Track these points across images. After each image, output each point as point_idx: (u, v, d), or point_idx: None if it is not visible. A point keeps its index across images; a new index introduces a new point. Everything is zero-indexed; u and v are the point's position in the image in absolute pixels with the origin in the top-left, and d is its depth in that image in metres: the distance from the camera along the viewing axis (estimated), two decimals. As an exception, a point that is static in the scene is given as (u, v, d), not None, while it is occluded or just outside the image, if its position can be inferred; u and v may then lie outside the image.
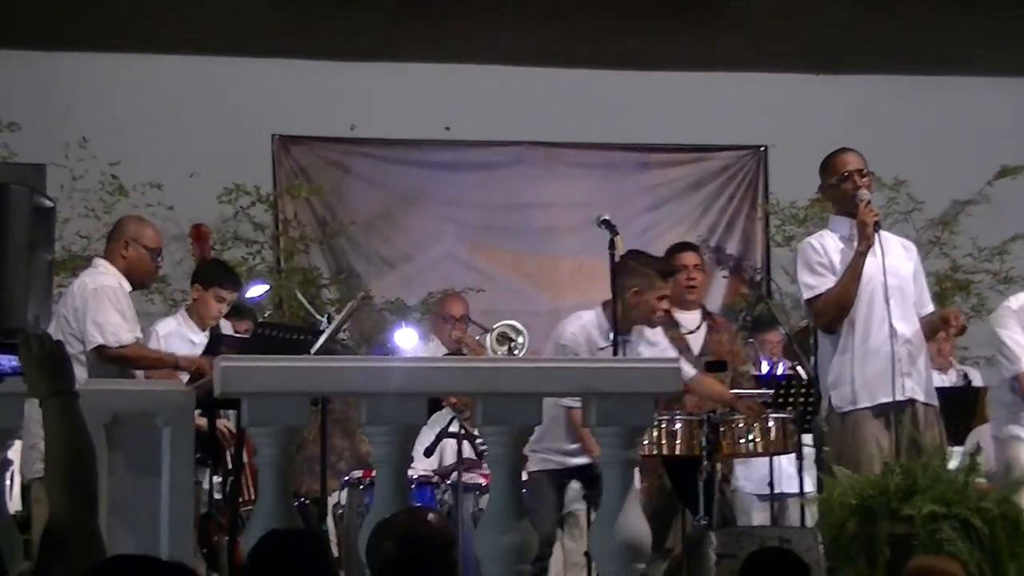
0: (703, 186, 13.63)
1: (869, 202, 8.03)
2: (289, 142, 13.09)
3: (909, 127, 13.26)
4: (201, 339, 8.96)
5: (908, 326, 7.99)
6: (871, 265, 7.96)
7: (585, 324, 8.62)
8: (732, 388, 9.15)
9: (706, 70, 13.34)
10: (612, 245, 8.17)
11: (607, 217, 8.30)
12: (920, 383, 7.97)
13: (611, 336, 8.47)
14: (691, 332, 9.59)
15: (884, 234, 8.22)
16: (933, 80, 13.50)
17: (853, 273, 7.94)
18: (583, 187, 13.29)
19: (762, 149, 13.62)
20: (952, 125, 13.37)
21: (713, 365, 9.13)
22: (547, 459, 8.58)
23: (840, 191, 8.20)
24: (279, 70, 12.92)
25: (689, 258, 9.86)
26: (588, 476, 8.35)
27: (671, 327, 9.50)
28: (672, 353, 8.65)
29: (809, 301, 8.19)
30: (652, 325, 8.70)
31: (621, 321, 8.47)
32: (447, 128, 13.26)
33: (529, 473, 8.58)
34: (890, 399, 7.82)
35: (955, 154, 13.16)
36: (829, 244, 8.16)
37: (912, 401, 7.90)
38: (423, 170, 13.35)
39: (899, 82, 13.52)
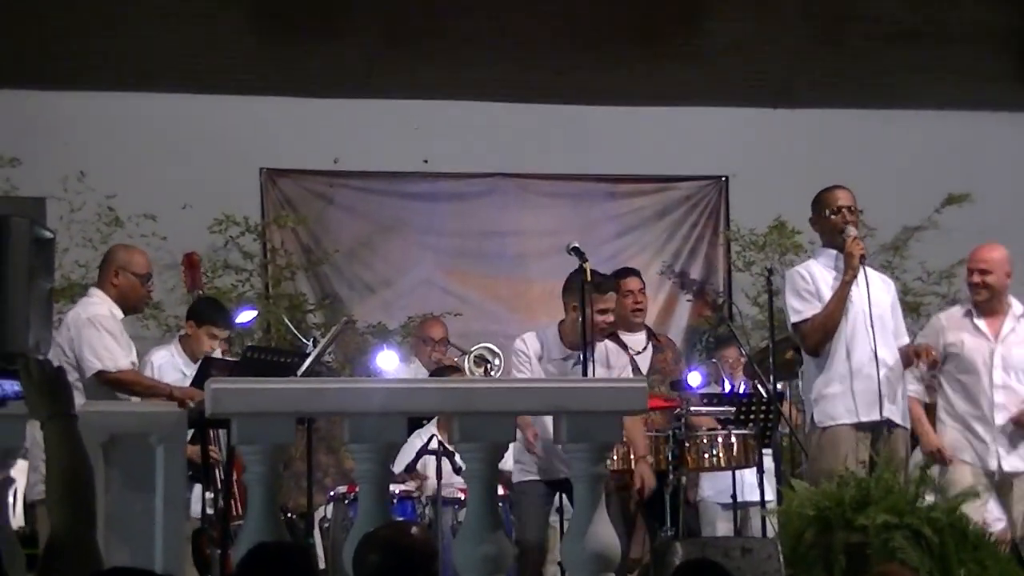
0: (667, 214, 13.65)
1: (856, 237, 8.15)
2: (276, 175, 13.09)
3: (861, 157, 13.29)
4: (191, 371, 8.94)
5: (889, 353, 8.11)
6: (856, 294, 8.08)
7: (541, 335, 8.63)
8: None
9: (669, 104, 13.37)
10: (581, 271, 8.18)
11: (576, 245, 8.33)
12: (897, 407, 8.08)
13: (567, 352, 8.49)
14: (638, 352, 9.61)
15: (867, 269, 8.35)
16: (883, 113, 13.54)
17: (839, 300, 8.07)
18: (553, 216, 13.31)
19: (723, 179, 13.64)
20: (902, 155, 13.42)
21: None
22: (526, 470, 8.54)
23: (830, 224, 8.31)
24: (266, 106, 12.92)
25: (633, 283, 9.88)
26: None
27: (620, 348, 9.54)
28: (628, 374, 8.66)
29: (796, 325, 8.28)
30: (599, 339, 8.66)
31: (570, 337, 8.49)
32: (425, 160, 13.26)
33: (515, 484, 8.56)
34: (869, 419, 7.96)
35: (905, 183, 13.21)
36: (815, 272, 8.27)
37: (888, 422, 8.00)
38: (402, 200, 13.35)
39: (852, 115, 13.57)
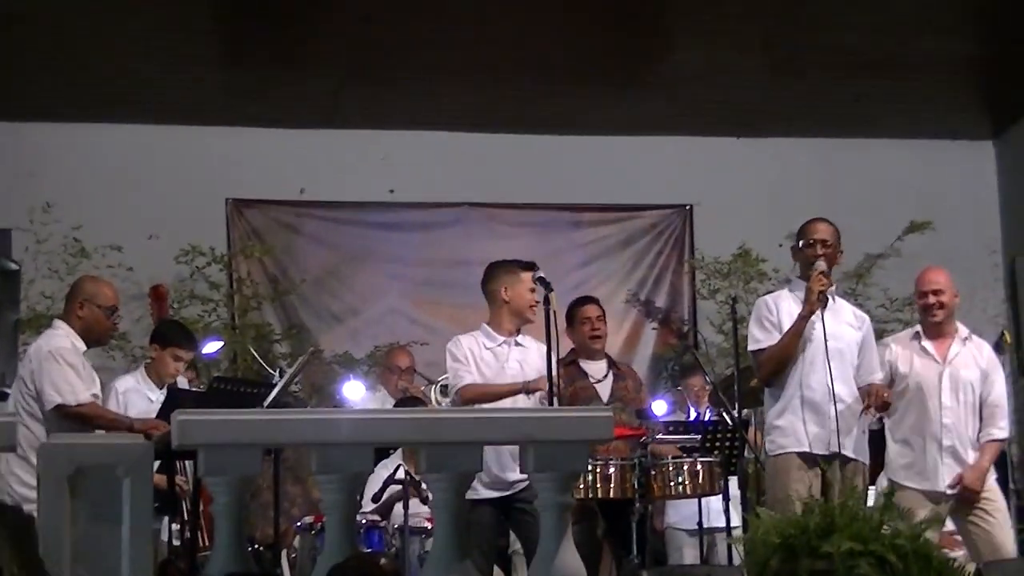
0: (632, 243, 13.68)
1: (823, 272, 8.13)
2: (242, 205, 13.09)
3: (824, 186, 13.36)
4: (159, 396, 8.91)
5: (846, 388, 8.11)
6: (817, 328, 8.06)
7: (472, 334, 8.75)
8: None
9: (634, 134, 13.42)
10: (547, 300, 8.18)
11: (542, 274, 8.34)
12: (851, 440, 8.08)
13: (500, 338, 8.62)
14: (599, 381, 9.61)
15: (841, 302, 8.44)
16: (845, 142, 13.62)
17: (794, 334, 8.09)
18: (520, 245, 13.25)
19: (688, 208, 13.69)
20: (864, 184, 13.49)
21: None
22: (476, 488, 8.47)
23: (804, 256, 8.34)
24: (232, 137, 12.92)
25: (592, 310, 9.88)
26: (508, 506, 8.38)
27: (579, 377, 9.54)
28: (540, 356, 8.60)
29: (754, 353, 8.32)
30: (528, 318, 8.67)
31: (502, 323, 8.64)
32: (391, 191, 13.28)
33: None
34: (819, 451, 7.98)
35: (867, 211, 13.25)
36: (783, 304, 8.28)
37: (839, 455, 8.01)
38: (369, 230, 13.36)
39: (814, 144, 13.65)
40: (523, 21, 11.39)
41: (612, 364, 9.93)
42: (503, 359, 8.53)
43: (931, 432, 8.49)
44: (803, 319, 8.07)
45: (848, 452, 8.06)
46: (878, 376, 8.35)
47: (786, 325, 8.14)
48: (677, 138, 13.55)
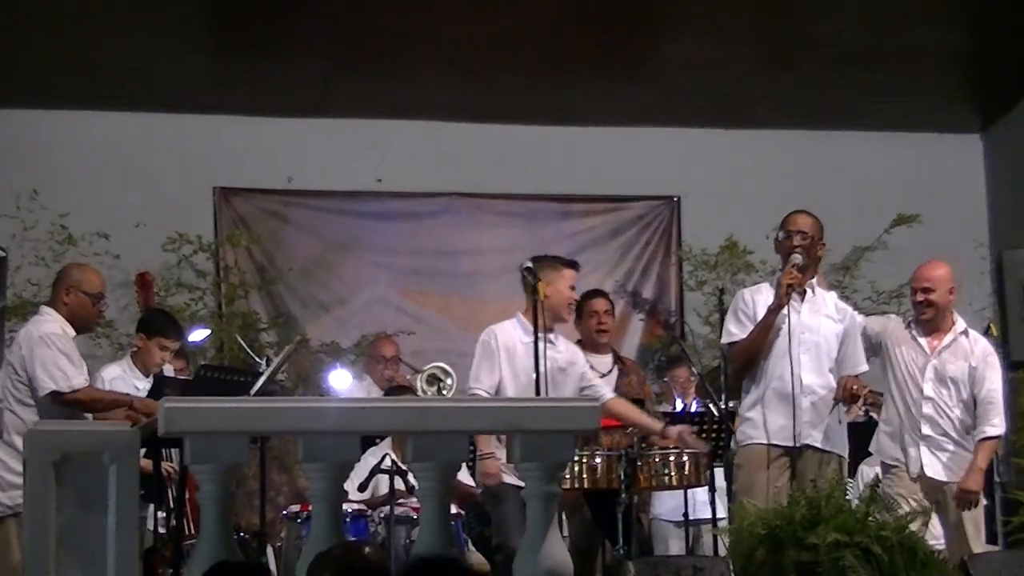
0: (620, 234, 13.69)
1: (796, 265, 8.08)
2: (229, 193, 13.08)
3: (812, 178, 13.37)
4: (145, 385, 8.90)
5: (818, 379, 8.09)
6: (789, 320, 8.04)
7: (504, 325, 8.53)
8: None
9: (622, 124, 13.42)
10: (535, 290, 8.16)
11: (530, 264, 8.28)
12: (821, 432, 8.06)
13: (533, 334, 8.29)
14: (603, 375, 9.59)
15: (822, 293, 8.37)
16: (834, 135, 13.64)
17: (763, 328, 8.08)
18: (507, 235, 13.32)
19: (675, 199, 13.70)
20: (852, 176, 13.51)
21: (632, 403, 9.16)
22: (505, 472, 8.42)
23: (782, 247, 8.30)
24: (220, 125, 12.90)
25: (600, 304, 9.89)
26: None
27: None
28: (587, 369, 8.62)
29: (728, 346, 8.36)
30: (564, 318, 8.64)
31: (539, 319, 8.35)
32: (379, 180, 13.27)
33: (495, 487, 8.41)
34: (785, 443, 7.97)
35: (855, 203, 13.27)
36: (760, 298, 8.24)
37: (809, 447, 8.00)
38: (356, 219, 13.35)
39: (802, 136, 13.66)
40: (512, 11, 11.39)
41: (618, 359, 9.93)
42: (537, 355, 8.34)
43: (911, 420, 8.50)
44: (772, 312, 8.05)
45: (818, 444, 8.03)
46: (861, 368, 8.32)
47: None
48: (665, 129, 13.56)
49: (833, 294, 8.63)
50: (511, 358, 8.36)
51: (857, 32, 11.71)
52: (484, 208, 13.51)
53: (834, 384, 8.14)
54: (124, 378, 9.13)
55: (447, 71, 12.32)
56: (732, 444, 8.47)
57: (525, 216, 13.54)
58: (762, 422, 8.05)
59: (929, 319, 8.61)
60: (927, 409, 8.51)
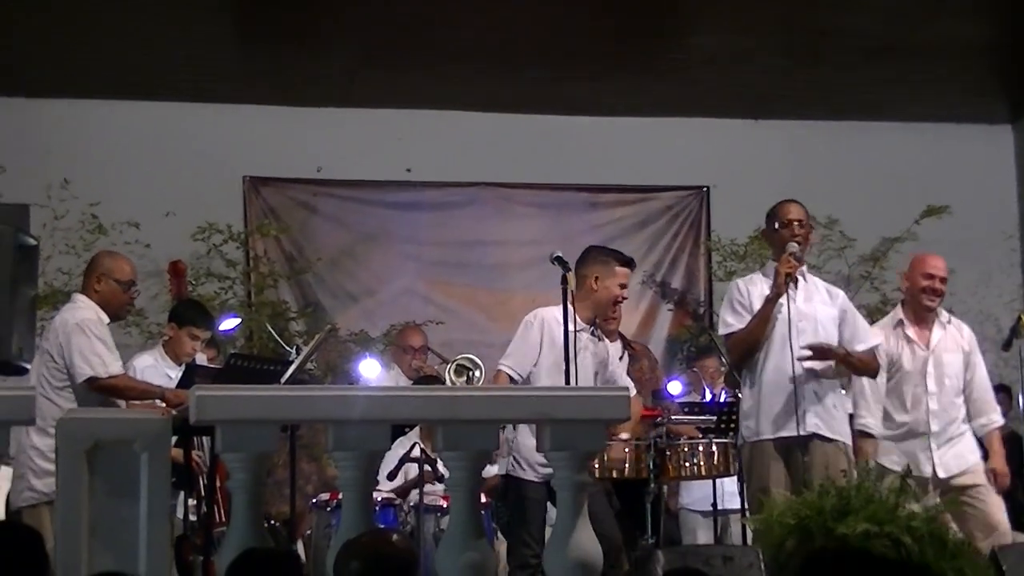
0: (648, 224, 13.68)
1: (794, 254, 8.02)
2: (259, 183, 13.10)
3: (841, 169, 13.36)
4: (177, 374, 8.90)
5: (817, 367, 8.01)
6: (785, 309, 7.98)
7: (553, 309, 8.25)
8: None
9: (651, 115, 13.42)
10: (564, 280, 8.10)
11: (559, 254, 8.16)
12: (824, 419, 7.97)
13: (574, 326, 8.09)
14: None
15: (814, 281, 8.32)
16: (863, 125, 13.61)
17: (762, 317, 8.00)
18: (535, 226, 13.32)
19: (704, 190, 13.69)
20: (881, 167, 13.48)
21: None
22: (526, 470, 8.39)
23: (778, 237, 8.23)
24: (249, 116, 12.93)
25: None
26: None
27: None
28: (612, 356, 8.59)
29: (725, 337, 8.30)
30: (610, 314, 8.58)
31: (583, 310, 8.26)
32: (408, 170, 13.29)
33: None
34: (791, 433, 7.86)
35: (883, 194, 13.26)
36: (754, 287, 8.18)
37: (815, 436, 7.92)
38: (385, 210, 13.37)
39: (831, 127, 13.64)
40: (541, 2, 11.38)
41: (627, 345, 9.90)
42: (580, 347, 8.18)
43: (919, 419, 8.48)
44: (770, 302, 7.98)
45: (824, 432, 7.96)
46: (874, 341, 8.26)
47: (758, 308, 8.06)
48: (694, 120, 13.55)
49: (818, 280, 8.52)
50: (553, 345, 8.19)
51: (885, 23, 11.67)
52: (512, 198, 13.51)
53: (829, 368, 8.06)
54: (156, 367, 9.14)
55: (476, 61, 12.32)
56: (739, 439, 8.38)
57: (553, 207, 13.54)
58: (766, 415, 7.97)
59: (934, 308, 8.61)
60: (934, 405, 8.49)
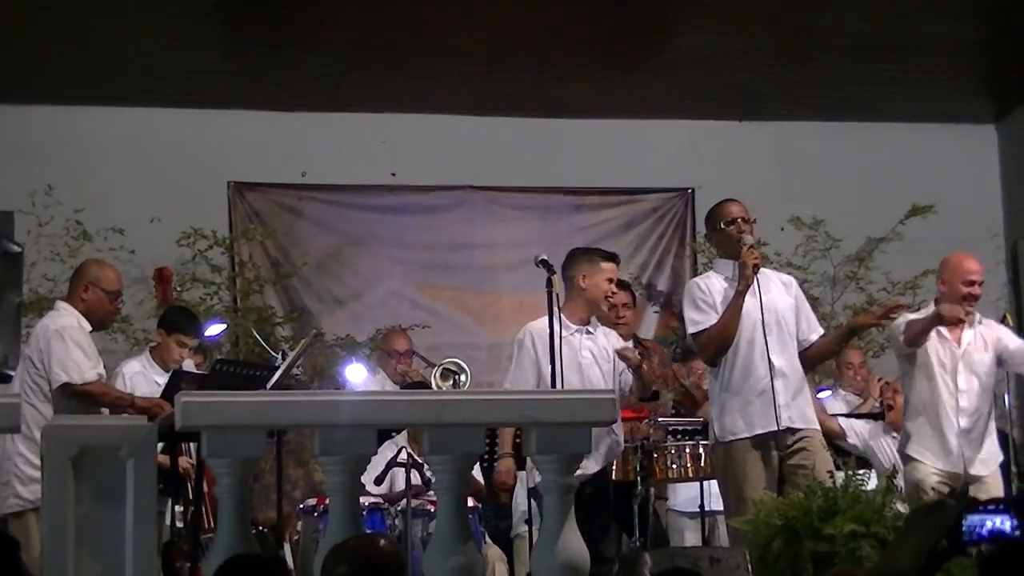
0: (634, 226, 13.69)
1: (751, 246, 8.08)
2: (244, 188, 13.09)
3: (826, 169, 13.38)
4: (164, 380, 8.93)
5: (785, 360, 8.03)
6: (750, 303, 8.00)
7: (541, 320, 8.25)
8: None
9: (636, 117, 13.42)
10: (549, 283, 8.13)
11: (545, 257, 8.21)
12: (798, 412, 7.99)
13: (573, 327, 8.34)
14: None
15: (766, 272, 8.32)
16: (848, 126, 13.62)
17: (734, 310, 7.99)
18: (521, 228, 13.33)
19: (689, 191, 13.69)
20: (866, 167, 13.50)
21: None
22: None
23: (725, 235, 8.24)
24: (234, 121, 12.92)
25: (620, 297, 9.88)
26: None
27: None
28: (609, 343, 8.57)
29: (694, 336, 8.26)
30: (602, 308, 8.57)
31: (575, 311, 8.38)
32: (393, 174, 13.28)
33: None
34: (767, 429, 7.87)
35: (869, 195, 13.28)
36: (713, 284, 8.20)
37: (791, 430, 7.92)
38: (371, 213, 13.36)
39: (816, 127, 13.65)
40: (526, 5, 11.38)
41: (638, 342, 9.92)
42: (576, 348, 8.31)
43: (948, 415, 8.51)
44: (740, 295, 7.98)
45: (797, 424, 7.95)
46: (819, 331, 8.30)
47: (720, 306, 8.06)
48: (679, 121, 13.56)
49: (769, 271, 8.52)
50: (548, 353, 8.19)
51: (870, 23, 11.68)
52: (498, 201, 13.51)
53: (799, 363, 8.10)
54: (144, 373, 9.16)
55: (460, 65, 12.32)
56: (710, 438, 8.36)
57: (539, 209, 13.55)
58: (739, 413, 7.95)
59: (971, 313, 8.66)
60: (964, 402, 8.52)
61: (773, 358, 7.93)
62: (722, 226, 8.27)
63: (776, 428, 7.87)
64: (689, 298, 8.26)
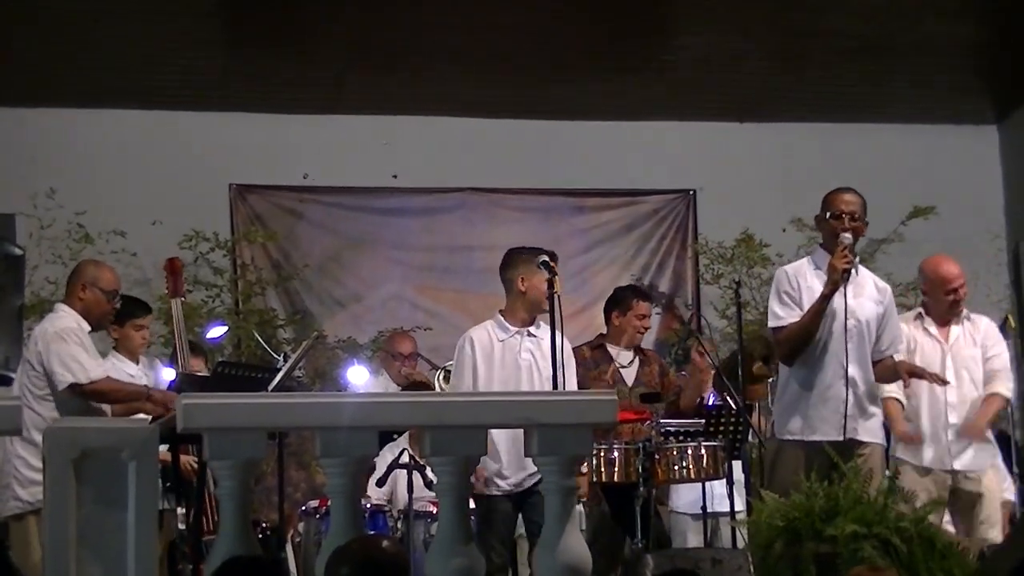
0: (636, 228, 13.68)
1: (847, 247, 7.82)
2: (245, 191, 13.09)
3: (827, 171, 13.28)
4: (137, 371, 8.93)
5: (860, 370, 7.88)
6: (836, 304, 7.81)
7: (481, 326, 8.43)
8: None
9: (637, 119, 13.42)
10: (551, 285, 8.12)
11: (546, 258, 8.21)
12: (864, 425, 7.87)
13: (512, 329, 8.34)
14: (625, 366, 9.62)
15: (863, 273, 8.15)
16: (849, 127, 13.61)
17: (815, 313, 7.79)
18: (522, 230, 13.29)
19: (691, 193, 13.69)
20: (867, 169, 13.43)
21: (647, 397, 9.15)
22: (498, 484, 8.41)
23: (829, 226, 8.03)
24: (235, 122, 12.92)
25: (645, 308, 9.88)
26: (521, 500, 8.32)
27: (605, 361, 9.56)
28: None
29: (773, 330, 8.09)
30: (544, 308, 8.30)
31: (516, 313, 8.37)
32: (394, 176, 13.28)
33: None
34: (829, 438, 7.68)
35: (870, 196, 13.14)
36: (803, 280, 7.98)
37: (854, 441, 7.79)
38: (372, 216, 13.37)
39: (817, 129, 13.64)
40: (526, 6, 11.39)
41: (639, 350, 9.92)
42: (515, 351, 8.29)
43: (937, 411, 8.50)
44: (825, 298, 7.78)
45: (863, 436, 7.84)
46: (896, 349, 8.12)
47: (806, 302, 7.86)
48: (680, 123, 13.56)
49: (869, 273, 8.36)
50: (488, 358, 8.28)
51: (870, 24, 11.69)
52: (499, 203, 13.51)
53: (873, 374, 7.95)
54: (116, 369, 9.08)
55: (461, 66, 12.33)
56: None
57: (540, 211, 13.55)
58: (805, 416, 7.84)
59: (958, 313, 8.64)
60: (952, 398, 8.51)
61: (849, 366, 7.81)
62: (828, 216, 8.09)
63: (839, 438, 7.70)
64: (776, 289, 8.06)
